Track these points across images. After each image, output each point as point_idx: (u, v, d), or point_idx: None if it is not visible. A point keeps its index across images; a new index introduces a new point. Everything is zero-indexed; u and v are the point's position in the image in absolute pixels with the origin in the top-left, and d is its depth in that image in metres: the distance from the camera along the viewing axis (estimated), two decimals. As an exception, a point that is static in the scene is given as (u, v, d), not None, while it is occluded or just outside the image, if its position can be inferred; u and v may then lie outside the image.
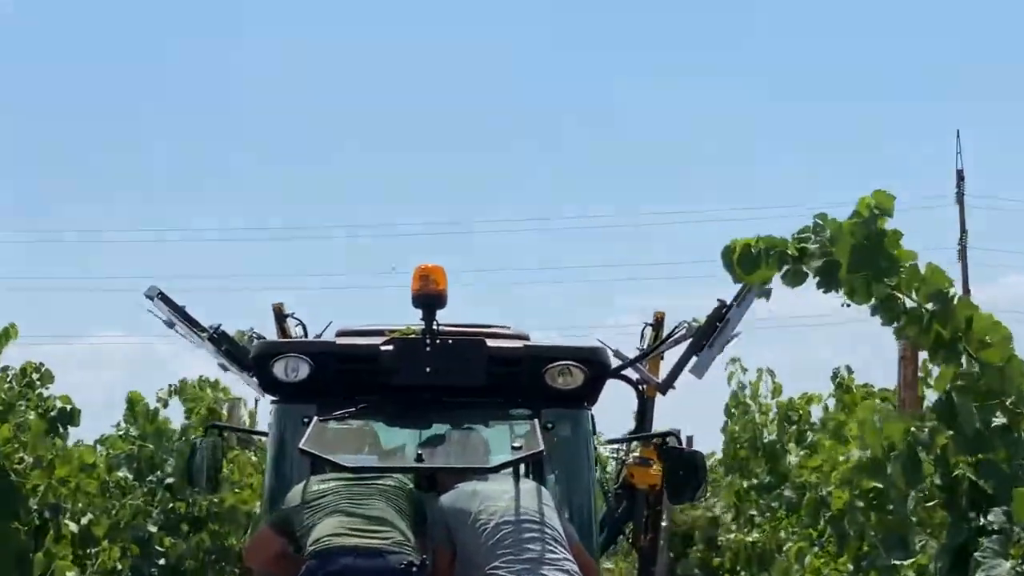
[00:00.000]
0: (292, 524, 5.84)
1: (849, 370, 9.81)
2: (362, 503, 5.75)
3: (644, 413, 7.70)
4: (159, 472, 12.42)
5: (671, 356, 7.45)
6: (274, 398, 6.71)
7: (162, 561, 11.62)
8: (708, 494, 15.18)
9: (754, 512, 9.94)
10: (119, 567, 10.89)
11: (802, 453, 10.15)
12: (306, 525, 5.73)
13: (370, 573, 5.45)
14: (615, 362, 7.12)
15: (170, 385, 13.04)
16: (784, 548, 8.23)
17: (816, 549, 7.63)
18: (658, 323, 7.73)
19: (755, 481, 10.84)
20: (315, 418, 6.26)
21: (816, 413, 11.13)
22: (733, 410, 11.57)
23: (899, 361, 7.86)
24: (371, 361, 6.41)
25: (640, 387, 7.59)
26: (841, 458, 7.46)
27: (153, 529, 11.59)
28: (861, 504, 6.40)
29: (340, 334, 7.07)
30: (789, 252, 5.99)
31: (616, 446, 8.26)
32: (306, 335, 7.79)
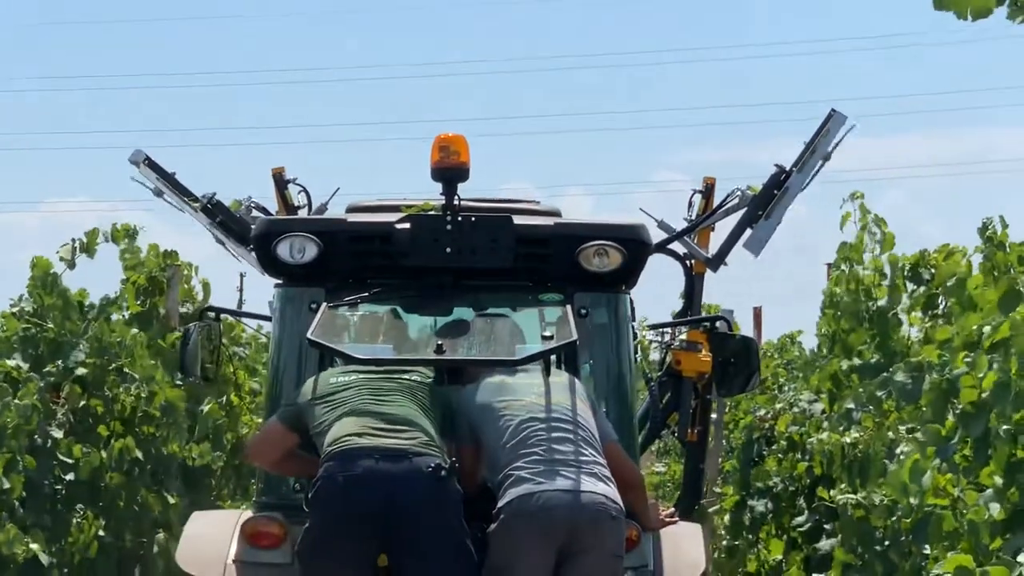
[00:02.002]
0: (306, 420, 6.92)
1: (1004, 222, 9.22)
2: (384, 400, 6.84)
3: (692, 292, 9.28)
4: (64, 360, 11.66)
5: (723, 228, 9.03)
6: (278, 281, 7.82)
7: (71, 475, 11.15)
8: (784, 383, 15.59)
9: (851, 405, 9.58)
10: (6, 485, 10.23)
11: (928, 324, 9.95)
12: (322, 422, 6.80)
13: (394, 477, 6.53)
14: (658, 236, 8.42)
15: (74, 240, 12.28)
16: (898, 452, 7.98)
17: (951, 456, 7.28)
18: (708, 190, 9.23)
19: (857, 362, 10.50)
20: (324, 304, 7.41)
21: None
22: (841, 266, 11.02)
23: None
24: (386, 240, 7.53)
25: (688, 263, 9.11)
26: (987, 329, 7.23)
27: (57, 434, 11.16)
28: None
29: (351, 210, 8.24)
30: None
31: (660, 330, 9.62)
32: (310, 203, 9.29)
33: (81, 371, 11.74)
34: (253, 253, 8.60)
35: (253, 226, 8.14)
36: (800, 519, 11.02)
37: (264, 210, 9.31)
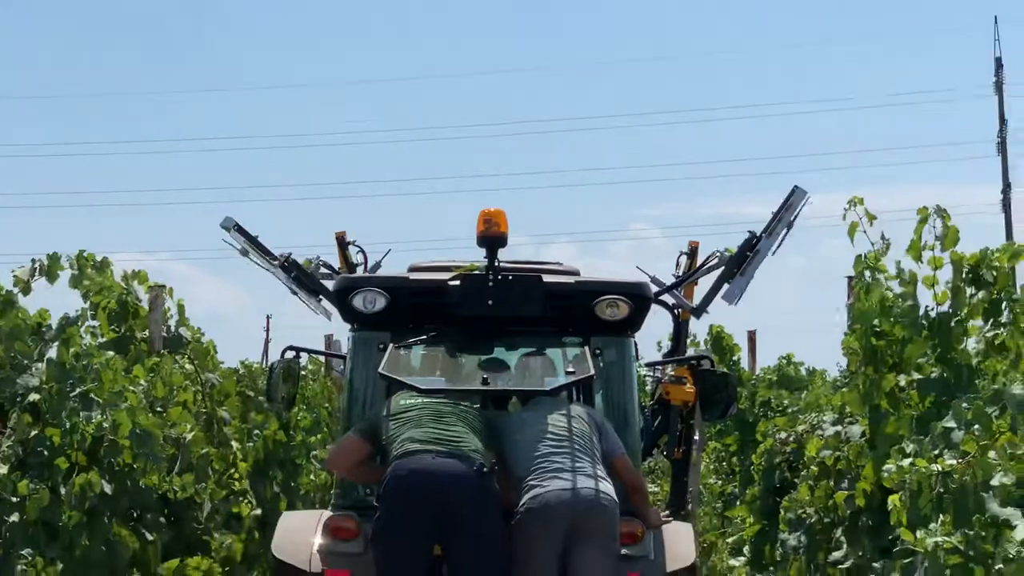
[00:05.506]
0: (379, 432, 10.29)
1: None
2: (442, 419, 10.22)
3: (679, 335, 13.66)
4: (9, 386, 12.37)
5: (704, 283, 13.25)
6: (353, 326, 11.37)
7: (15, 516, 11.72)
8: (788, 404, 19.06)
9: (951, 424, 9.50)
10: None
11: (989, 333, 11.01)
12: (392, 434, 10.15)
13: (448, 472, 9.89)
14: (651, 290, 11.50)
15: (34, 261, 13.97)
16: (995, 482, 8.41)
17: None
18: (692, 251, 13.76)
19: (916, 376, 11.03)
20: (390, 345, 10.95)
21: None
22: (865, 273, 11.77)
23: None
24: (440, 294, 11.10)
25: (676, 311, 13.33)
26: None
27: (1, 468, 11.70)
28: None
29: (412, 270, 11.73)
30: None
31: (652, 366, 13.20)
32: (366, 261, 13.63)
33: (33, 397, 12.31)
34: (323, 302, 12.76)
35: (333, 281, 11.78)
36: (838, 554, 12.14)
37: (330, 266, 13.45)
